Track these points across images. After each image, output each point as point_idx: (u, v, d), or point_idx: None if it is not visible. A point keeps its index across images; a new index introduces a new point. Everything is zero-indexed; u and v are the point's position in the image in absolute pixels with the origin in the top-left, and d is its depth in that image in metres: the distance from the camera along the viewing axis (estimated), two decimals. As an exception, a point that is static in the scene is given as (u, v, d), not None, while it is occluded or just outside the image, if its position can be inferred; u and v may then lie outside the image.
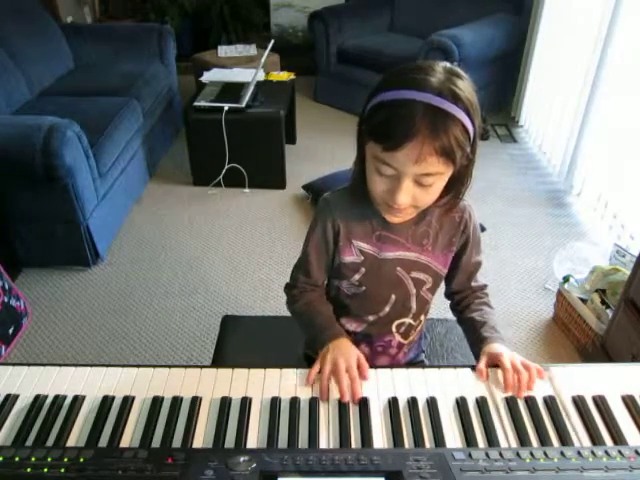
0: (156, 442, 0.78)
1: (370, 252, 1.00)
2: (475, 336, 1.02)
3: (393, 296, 1.04)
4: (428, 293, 1.06)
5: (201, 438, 0.79)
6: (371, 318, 1.08)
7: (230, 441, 0.78)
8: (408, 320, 1.09)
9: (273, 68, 3.57)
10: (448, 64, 0.83)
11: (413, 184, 0.83)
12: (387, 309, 1.06)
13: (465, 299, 1.09)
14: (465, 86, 0.81)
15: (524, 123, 3.63)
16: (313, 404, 0.84)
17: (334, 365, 0.89)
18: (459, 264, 1.06)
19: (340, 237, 1.00)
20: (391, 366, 0.94)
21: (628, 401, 0.85)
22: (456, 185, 0.90)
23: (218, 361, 1.29)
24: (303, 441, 0.79)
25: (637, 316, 1.57)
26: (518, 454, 0.71)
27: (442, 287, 1.12)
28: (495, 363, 0.92)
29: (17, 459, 0.70)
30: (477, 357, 0.98)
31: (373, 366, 0.93)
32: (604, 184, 2.58)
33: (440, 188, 0.87)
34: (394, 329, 1.09)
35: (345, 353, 0.92)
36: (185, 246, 2.55)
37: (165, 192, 2.97)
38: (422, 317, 1.12)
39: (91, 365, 0.92)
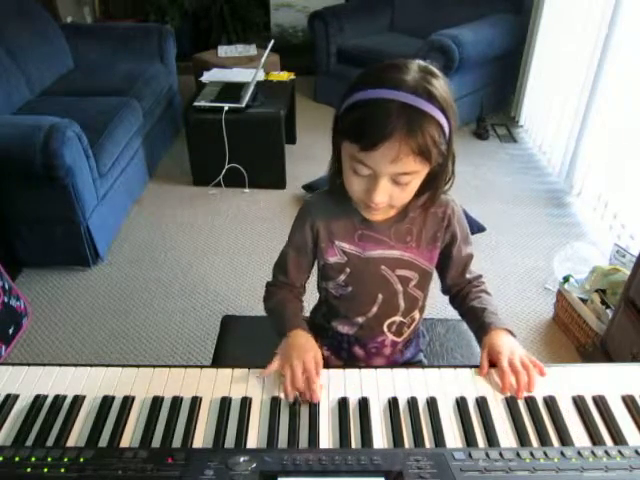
0: (156, 442, 0.78)
1: (353, 252, 1.00)
2: (477, 324, 1.01)
3: (380, 295, 1.04)
4: (416, 290, 1.05)
5: (201, 438, 0.79)
6: (360, 320, 1.08)
7: (230, 441, 0.78)
8: (398, 318, 1.08)
9: (273, 68, 3.57)
10: (423, 62, 0.83)
11: (390, 183, 0.83)
12: (375, 309, 1.06)
13: (462, 291, 1.09)
14: (440, 84, 0.81)
15: (524, 123, 3.63)
16: (313, 404, 0.84)
17: (291, 368, 0.88)
18: (450, 259, 1.05)
19: (320, 238, 1.00)
20: (391, 366, 0.94)
21: (628, 401, 0.85)
22: (434, 182, 0.90)
23: (218, 361, 1.29)
24: (303, 441, 0.79)
25: (637, 316, 1.57)
26: (518, 454, 0.71)
27: (437, 285, 1.12)
28: (494, 361, 0.91)
29: (17, 459, 0.70)
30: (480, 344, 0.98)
31: (373, 366, 0.93)
32: (604, 184, 2.58)
33: (416, 186, 0.87)
34: (385, 329, 1.09)
35: (300, 352, 0.91)
36: (185, 246, 2.55)
37: (165, 192, 2.97)
38: (415, 315, 1.10)
39: (91, 365, 0.92)
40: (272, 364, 0.91)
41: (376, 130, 0.77)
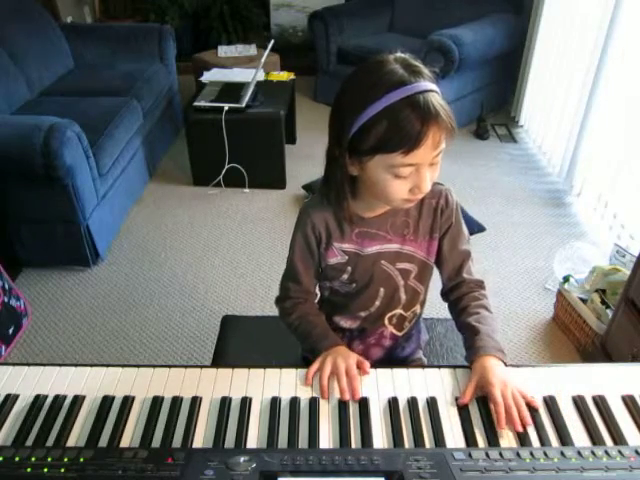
0: (156, 442, 0.78)
1: (352, 250, 1.00)
2: (469, 344, 0.96)
3: (382, 289, 1.04)
4: (417, 283, 1.05)
5: (201, 438, 0.79)
6: (363, 314, 1.09)
7: (230, 441, 0.78)
8: (399, 311, 1.08)
9: (273, 68, 3.57)
10: (391, 54, 0.85)
11: (429, 168, 0.85)
12: (377, 303, 1.06)
13: (462, 300, 1.04)
14: (419, 62, 0.85)
15: (524, 123, 3.63)
16: (313, 404, 0.84)
17: (333, 364, 0.90)
18: (443, 253, 1.03)
19: (322, 241, 1.01)
20: (391, 366, 0.94)
21: (628, 401, 0.85)
22: None
23: (218, 361, 1.29)
24: (303, 441, 0.79)
25: (637, 316, 1.57)
26: (518, 454, 0.71)
27: (437, 284, 1.11)
28: (485, 392, 0.85)
29: (17, 459, 0.70)
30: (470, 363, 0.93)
31: (373, 366, 0.93)
32: (604, 184, 2.58)
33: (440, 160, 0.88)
34: (386, 321, 1.10)
35: (343, 354, 0.93)
36: (185, 246, 2.55)
37: (165, 192, 2.97)
38: (417, 309, 1.10)
39: (91, 365, 0.92)
40: (312, 366, 0.91)
41: (415, 128, 0.78)
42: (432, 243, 1.02)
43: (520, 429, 0.80)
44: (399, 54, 0.85)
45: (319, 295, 1.15)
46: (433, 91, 0.81)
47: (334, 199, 0.95)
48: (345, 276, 1.03)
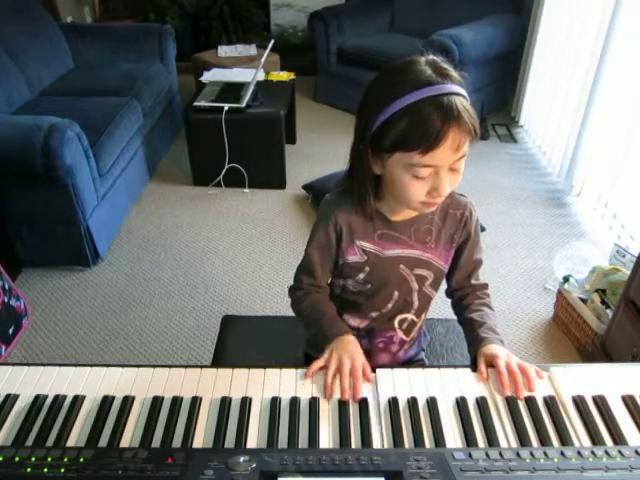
0: (156, 442, 0.78)
1: (373, 251, 1.00)
2: (473, 336, 1.01)
3: (396, 292, 1.05)
4: (430, 289, 1.06)
5: (201, 438, 0.79)
6: (374, 314, 1.09)
7: (230, 441, 0.78)
8: (410, 316, 1.09)
9: (273, 68, 3.57)
10: (422, 56, 0.86)
11: (448, 172, 0.85)
12: (390, 306, 1.07)
13: (465, 298, 1.09)
14: (449, 65, 0.85)
15: (524, 123, 3.63)
16: (313, 404, 0.84)
17: (339, 362, 0.90)
18: (459, 261, 1.06)
19: (343, 238, 1.00)
20: (391, 366, 0.94)
21: (628, 401, 0.85)
22: None
23: (218, 361, 1.29)
24: (303, 441, 0.79)
25: (637, 316, 1.57)
26: (518, 454, 0.71)
27: (444, 284, 1.12)
28: (491, 365, 0.91)
29: (17, 459, 0.70)
30: (473, 357, 0.98)
31: (373, 366, 0.93)
32: (604, 184, 2.58)
33: (463, 167, 0.88)
34: (396, 324, 1.10)
35: (350, 352, 0.93)
36: (185, 246, 2.55)
37: (165, 192, 2.97)
38: (424, 314, 1.12)
39: (91, 365, 0.92)
40: (317, 361, 0.91)
41: (435, 128, 0.78)
42: (450, 251, 1.04)
43: (521, 397, 0.85)
44: (430, 56, 0.85)
45: (328, 292, 1.15)
46: (460, 95, 0.81)
47: (357, 196, 0.95)
48: (361, 275, 1.03)
